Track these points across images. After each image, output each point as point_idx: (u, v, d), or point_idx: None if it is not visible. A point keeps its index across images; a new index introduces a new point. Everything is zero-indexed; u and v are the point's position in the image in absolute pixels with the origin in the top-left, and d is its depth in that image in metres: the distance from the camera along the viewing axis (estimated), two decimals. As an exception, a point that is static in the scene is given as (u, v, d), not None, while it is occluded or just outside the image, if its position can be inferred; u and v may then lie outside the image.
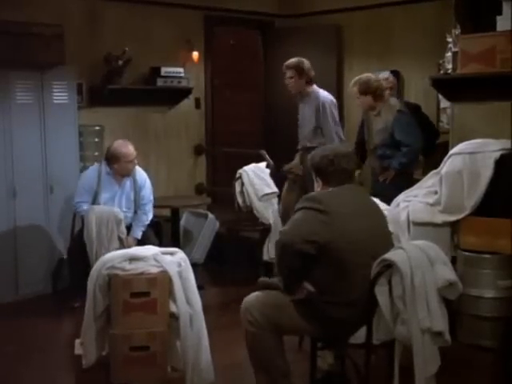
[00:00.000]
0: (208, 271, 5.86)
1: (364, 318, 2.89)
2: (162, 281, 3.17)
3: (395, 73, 5.43)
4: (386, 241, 3.03)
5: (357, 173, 4.81)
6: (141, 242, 4.61)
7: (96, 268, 3.20)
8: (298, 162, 5.32)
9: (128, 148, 4.79)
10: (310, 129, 5.16)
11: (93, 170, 4.94)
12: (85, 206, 4.78)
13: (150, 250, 3.27)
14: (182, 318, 3.19)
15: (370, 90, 4.69)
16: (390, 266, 2.84)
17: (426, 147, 4.83)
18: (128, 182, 4.91)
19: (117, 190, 4.87)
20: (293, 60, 5.11)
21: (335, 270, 2.82)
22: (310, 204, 2.86)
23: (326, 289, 2.84)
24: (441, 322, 2.75)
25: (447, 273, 2.77)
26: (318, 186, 3.04)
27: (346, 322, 2.88)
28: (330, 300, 2.83)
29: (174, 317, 3.23)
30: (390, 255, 2.85)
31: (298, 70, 5.06)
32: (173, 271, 3.17)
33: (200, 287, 5.09)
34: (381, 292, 2.86)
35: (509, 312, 3.80)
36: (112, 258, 3.18)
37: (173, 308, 3.21)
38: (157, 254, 3.21)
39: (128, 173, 4.85)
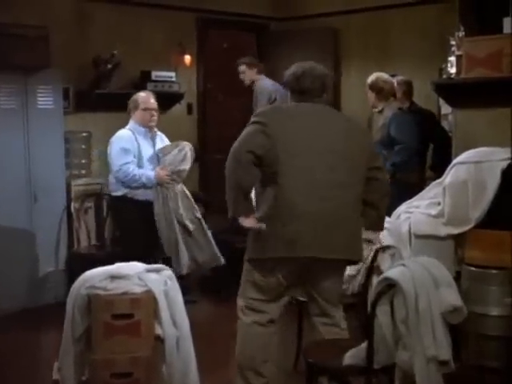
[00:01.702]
0: (200, 283, 5.71)
1: (321, 232, 2.88)
2: (147, 301, 2.96)
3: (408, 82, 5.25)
4: (347, 162, 2.95)
5: None
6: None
7: (75, 287, 2.98)
8: None
9: (148, 95, 4.67)
10: None
11: (125, 131, 4.67)
12: (131, 168, 4.48)
13: (133, 267, 3.04)
14: (168, 341, 2.99)
15: (375, 88, 4.69)
16: (392, 285, 2.64)
17: (438, 161, 4.74)
18: (159, 142, 4.71)
19: (153, 150, 4.66)
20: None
21: (276, 182, 2.86)
22: (254, 118, 2.96)
23: (270, 208, 2.87)
24: (447, 350, 2.55)
25: (453, 297, 2.58)
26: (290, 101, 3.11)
27: (298, 239, 2.87)
28: (277, 220, 2.86)
29: (160, 340, 3.03)
30: (393, 273, 2.65)
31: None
32: (158, 290, 2.96)
33: (191, 301, 5.01)
34: (382, 312, 2.67)
35: (516, 331, 3.59)
36: (92, 277, 2.96)
37: (158, 330, 3.00)
38: (141, 271, 3.00)
39: (146, 123, 4.63)
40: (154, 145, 4.70)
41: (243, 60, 6.10)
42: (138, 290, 2.96)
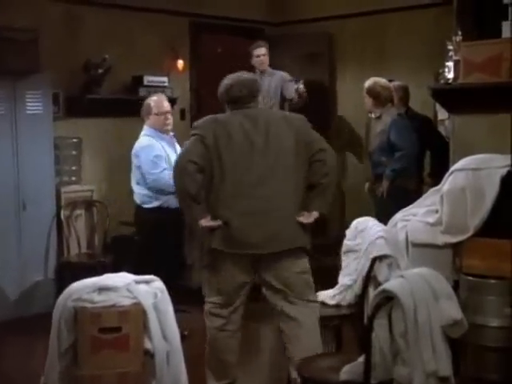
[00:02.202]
0: (192, 292, 5.53)
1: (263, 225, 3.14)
2: (136, 314, 2.85)
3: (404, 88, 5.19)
4: (279, 159, 3.19)
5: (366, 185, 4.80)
6: None
7: (61, 299, 2.87)
8: None
9: (160, 99, 4.62)
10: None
11: (147, 138, 4.59)
12: (168, 174, 4.29)
13: (122, 278, 2.94)
14: (158, 355, 2.88)
15: (372, 94, 4.65)
16: (390, 297, 2.55)
17: (436, 167, 4.71)
18: (177, 146, 4.64)
19: (175, 154, 4.55)
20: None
21: (214, 186, 3.15)
22: (193, 131, 3.28)
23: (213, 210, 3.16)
24: (447, 365, 2.46)
25: (453, 310, 2.49)
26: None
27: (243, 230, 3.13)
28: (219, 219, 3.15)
29: (149, 354, 2.92)
30: (391, 286, 2.56)
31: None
32: (147, 303, 2.85)
33: (183, 311, 4.90)
34: (380, 326, 2.57)
35: (516, 342, 3.50)
36: (79, 289, 2.85)
37: (147, 345, 2.89)
38: (130, 283, 2.89)
39: (161, 127, 4.58)
40: (175, 148, 4.64)
41: (264, 43, 5.88)
42: (126, 302, 2.85)
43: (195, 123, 3.38)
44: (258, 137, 3.20)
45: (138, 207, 4.63)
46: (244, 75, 3.41)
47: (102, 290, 2.85)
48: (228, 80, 3.37)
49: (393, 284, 2.57)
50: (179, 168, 3.20)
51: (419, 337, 2.47)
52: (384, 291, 2.55)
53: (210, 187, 3.18)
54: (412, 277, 2.59)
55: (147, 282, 2.98)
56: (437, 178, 4.76)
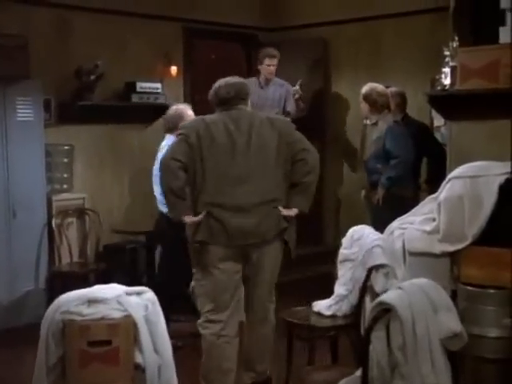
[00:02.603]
0: (186, 301, 5.43)
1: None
2: (126, 327, 2.77)
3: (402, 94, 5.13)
4: (258, 158, 3.34)
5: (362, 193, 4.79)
6: None
7: (49, 312, 2.79)
8: None
9: (187, 108, 4.67)
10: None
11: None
12: None
13: (112, 290, 2.86)
14: (149, 369, 2.80)
15: (368, 100, 4.60)
16: (387, 309, 2.48)
17: (433, 174, 4.67)
18: None
19: None
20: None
21: (196, 183, 3.31)
22: (179, 131, 3.44)
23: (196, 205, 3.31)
24: (446, 379, 2.39)
25: (452, 322, 2.43)
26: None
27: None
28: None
29: (140, 368, 2.84)
30: (389, 297, 2.49)
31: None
32: (138, 315, 2.77)
33: (177, 321, 4.83)
34: (377, 338, 2.50)
35: (516, 354, 3.43)
36: (67, 301, 2.77)
37: (138, 358, 2.81)
38: (120, 295, 2.81)
39: None
40: None
41: (277, 53, 5.78)
42: (116, 314, 2.77)
43: (182, 124, 3.58)
44: (241, 137, 3.34)
45: (162, 215, 4.58)
46: (234, 79, 3.53)
47: (91, 302, 2.77)
48: (218, 82, 3.52)
49: (390, 296, 2.50)
50: (163, 165, 3.33)
51: (418, 350, 2.41)
52: (381, 303, 2.49)
53: (194, 184, 3.32)
54: (410, 288, 2.53)
55: (138, 294, 2.90)
56: (434, 184, 4.71)
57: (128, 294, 2.86)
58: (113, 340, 2.76)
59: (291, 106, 5.76)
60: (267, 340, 3.53)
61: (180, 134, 3.39)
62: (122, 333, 2.78)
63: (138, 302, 2.84)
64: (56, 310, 2.77)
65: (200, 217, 3.28)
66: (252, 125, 3.38)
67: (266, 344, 3.52)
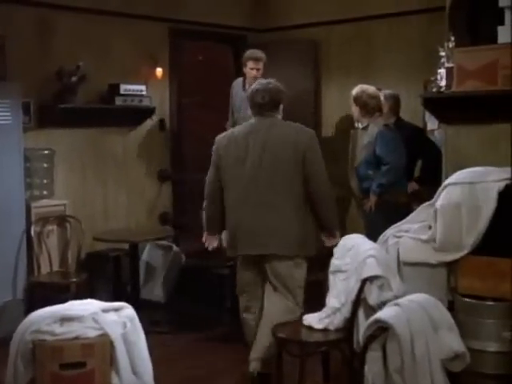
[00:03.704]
0: (172, 311, 5.46)
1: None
2: (102, 347, 2.59)
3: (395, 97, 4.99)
4: (275, 176, 3.53)
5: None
6: None
7: (18, 332, 2.60)
8: None
9: None
10: None
11: None
12: None
13: (87, 306, 2.66)
14: (127, 392, 2.60)
15: (359, 102, 4.50)
16: (384, 328, 2.31)
17: (426, 176, 4.56)
18: None
19: None
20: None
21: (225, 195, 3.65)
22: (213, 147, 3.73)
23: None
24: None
25: (454, 342, 2.29)
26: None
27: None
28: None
29: (117, 391, 2.64)
30: (385, 315, 2.32)
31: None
32: (115, 334, 2.59)
33: (163, 332, 4.67)
34: (373, 359, 2.35)
35: (516, 369, 3.31)
36: (38, 319, 2.57)
37: (115, 380, 2.63)
38: (96, 312, 2.62)
39: None
40: None
41: (263, 55, 5.37)
42: (91, 333, 2.59)
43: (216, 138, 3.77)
44: (259, 151, 3.53)
45: None
46: (271, 83, 3.67)
47: (64, 320, 2.59)
48: (256, 85, 3.69)
49: (387, 313, 2.35)
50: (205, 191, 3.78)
51: (417, 372, 2.26)
52: (377, 321, 2.33)
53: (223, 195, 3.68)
54: (408, 305, 2.37)
55: (116, 310, 2.72)
56: (426, 185, 4.58)
57: (105, 310, 2.68)
58: (87, 362, 2.58)
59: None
60: None
61: (213, 151, 3.71)
62: (97, 354, 2.59)
63: (116, 320, 2.66)
64: (26, 329, 2.58)
65: (215, 243, 3.86)
66: (273, 138, 3.55)
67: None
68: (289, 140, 3.54)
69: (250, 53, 5.36)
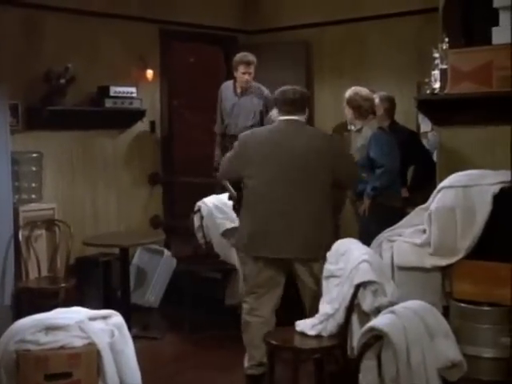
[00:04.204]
0: (164, 317, 5.41)
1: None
2: (89, 356, 2.53)
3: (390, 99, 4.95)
4: (303, 179, 3.56)
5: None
6: None
7: (2, 341, 2.52)
8: None
9: None
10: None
11: None
12: None
13: (74, 315, 2.59)
14: (115, 403, 2.53)
15: (352, 104, 4.43)
16: (379, 336, 2.25)
17: (416, 183, 4.55)
18: None
19: None
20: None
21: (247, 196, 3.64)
22: (235, 144, 3.75)
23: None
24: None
25: (450, 350, 2.24)
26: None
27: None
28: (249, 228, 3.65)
29: (105, 402, 2.56)
30: (380, 323, 2.26)
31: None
32: (103, 343, 2.52)
33: (152, 338, 4.61)
34: (368, 368, 2.28)
35: (513, 375, 3.27)
36: (22, 328, 2.50)
37: (102, 391, 2.54)
38: (82, 320, 2.55)
39: None
40: None
41: (254, 58, 5.27)
42: (78, 343, 2.52)
43: (240, 136, 3.80)
44: (290, 153, 3.56)
45: None
46: (299, 87, 3.80)
47: (49, 329, 2.51)
48: (285, 87, 3.76)
49: (382, 321, 2.29)
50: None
51: (413, 382, 2.18)
52: (372, 329, 2.27)
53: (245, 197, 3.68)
54: (404, 313, 2.31)
55: (103, 318, 2.64)
56: (417, 193, 4.54)
57: (92, 318, 2.61)
58: (73, 372, 2.51)
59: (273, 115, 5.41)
60: None
61: (234, 148, 3.76)
62: (83, 363, 2.52)
63: (103, 328, 2.59)
64: (10, 339, 2.51)
65: None
66: (298, 140, 3.60)
67: None
68: (317, 144, 3.62)
69: (240, 56, 5.25)
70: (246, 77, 5.22)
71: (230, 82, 5.48)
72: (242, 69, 5.22)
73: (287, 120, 3.66)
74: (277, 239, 3.53)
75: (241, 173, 3.62)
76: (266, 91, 5.30)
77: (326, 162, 3.59)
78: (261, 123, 5.21)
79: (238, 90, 5.37)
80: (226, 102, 5.43)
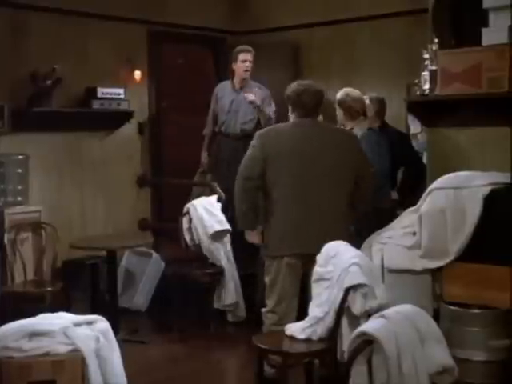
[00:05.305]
0: (152, 320, 5.37)
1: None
2: (73, 363, 2.48)
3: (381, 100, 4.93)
4: (328, 179, 3.57)
5: None
6: None
7: (-15, 348, 2.45)
8: None
9: None
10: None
11: None
12: None
13: (58, 320, 2.54)
14: (100, 412, 2.48)
15: (343, 105, 4.39)
16: (369, 341, 2.22)
17: (409, 185, 4.53)
18: None
19: None
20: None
21: (270, 195, 3.58)
22: (253, 142, 3.63)
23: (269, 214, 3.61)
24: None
25: (442, 355, 2.22)
26: (289, 113, 3.75)
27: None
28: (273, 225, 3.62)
29: (90, 409, 2.52)
30: (371, 328, 2.23)
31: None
32: (88, 350, 2.47)
33: (140, 342, 4.56)
34: (358, 373, 2.25)
35: (503, 379, 3.25)
36: (5, 335, 2.44)
37: (87, 399, 2.49)
38: (67, 326, 2.50)
39: None
40: None
41: (251, 48, 5.35)
42: (62, 349, 2.47)
43: (257, 133, 3.71)
44: (313, 151, 3.56)
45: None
46: (314, 85, 3.72)
47: (33, 335, 2.46)
48: (300, 86, 3.67)
49: (373, 325, 2.26)
50: (237, 184, 3.62)
51: (404, 387, 2.15)
52: (363, 334, 2.24)
53: (267, 195, 3.62)
54: (395, 317, 2.29)
55: (89, 324, 2.59)
56: (407, 194, 4.52)
57: (76, 324, 2.56)
58: (58, 379, 2.47)
59: (271, 111, 5.35)
60: None
61: (253, 146, 3.64)
62: (68, 371, 2.48)
63: (88, 334, 2.54)
64: (-8, 346, 2.45)
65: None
66: (325, 139, 3.61)
67: None
68: (342, 143, 3.67)
69: (240, 47, 5.37)
70: (247, 64, 5.28)
71: (226, 82, 5.51)
72: (242, 56, 5.28)
73: (306, 118, 3.65)
74: (308, 236, 3.53)
75: (265, 168, 3.54)
76: (264, 88, 5.36)
77: (351, 160, 3.64)
78: (257, 119, 5.29)
79: (237, 86, 5.39)
80: (224, 100, 5.43)
